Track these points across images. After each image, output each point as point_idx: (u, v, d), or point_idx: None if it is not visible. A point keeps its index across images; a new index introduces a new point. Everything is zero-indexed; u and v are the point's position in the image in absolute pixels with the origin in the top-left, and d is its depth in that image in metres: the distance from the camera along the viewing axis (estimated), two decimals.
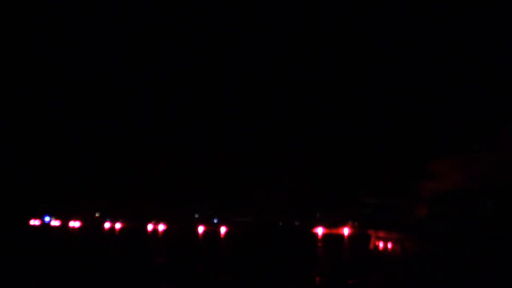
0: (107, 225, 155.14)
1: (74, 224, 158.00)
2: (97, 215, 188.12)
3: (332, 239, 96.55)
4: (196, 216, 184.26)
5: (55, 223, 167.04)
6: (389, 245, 36.00)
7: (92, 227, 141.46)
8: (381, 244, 37.74)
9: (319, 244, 78.51)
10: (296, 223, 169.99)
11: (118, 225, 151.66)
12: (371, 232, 41.94)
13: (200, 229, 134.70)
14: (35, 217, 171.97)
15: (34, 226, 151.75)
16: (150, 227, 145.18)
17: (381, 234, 38.12)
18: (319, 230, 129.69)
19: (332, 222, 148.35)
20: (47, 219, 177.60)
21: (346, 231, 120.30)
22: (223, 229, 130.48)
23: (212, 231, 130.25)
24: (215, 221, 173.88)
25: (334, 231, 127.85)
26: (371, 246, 40.08)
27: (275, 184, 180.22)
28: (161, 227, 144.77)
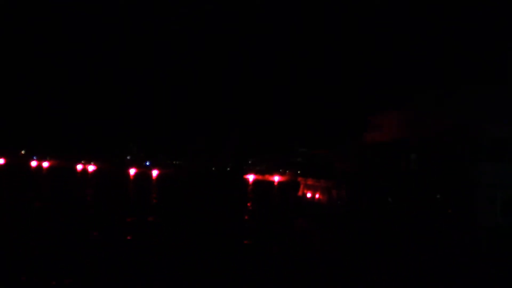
0: (33, 163, 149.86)
1: None
2: (22, 152, 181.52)
3: (262, 185, 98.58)
4: (128, 158, 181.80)
5: None
6: (317, 193, 37.10)
7: (17, 164, 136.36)
8: (309, 193, 38.83)
9: (249, 189, 79.98)
10: (228, 169, 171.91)
11: (45, 164, 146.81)
12: (300, 179, 43.06)
13: (132, 171, 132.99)
14: None
15: None
16: (79, 167, 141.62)
17: (309, 181, 39.19)
18: (250, 177, 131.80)
19: (264, 169, 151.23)
20: None
21: (276, 178, 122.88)
22: (155, 172, 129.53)
23: (143, 173, 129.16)
24: (147, 163, 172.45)
25: (265, 177, 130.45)
26: (300, 193, 41.20)
27: (210, 131, 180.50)
28: (91, 168, 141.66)
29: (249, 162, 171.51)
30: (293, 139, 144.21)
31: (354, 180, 31.20)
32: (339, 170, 34.47)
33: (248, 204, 49.90)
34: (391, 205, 27.03)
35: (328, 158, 37.75)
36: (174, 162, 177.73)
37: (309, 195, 38.88)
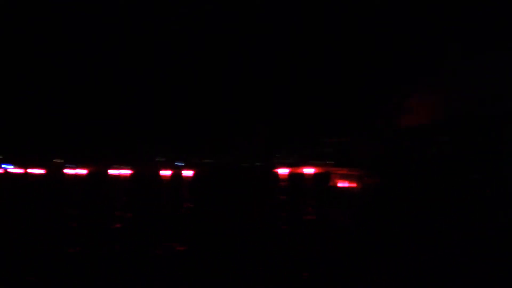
0: (69, 171, 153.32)
1: (35, 171, 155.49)
2: (56, 161, 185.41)
3: (293, 178, 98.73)
4: (158, 159, 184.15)
5: (15, 170, 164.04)
6: (348, 182, 37.21)
7: (53, 173, 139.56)
8: (340, 182, 38.97)
9: (281, 182, 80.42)
10: (258, 164, 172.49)
11: (81, 171, 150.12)
12: (331, 170, 43.26)
13: (164, 172, 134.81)
14: None
15: None
16: (113, 172, 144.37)
17: (340, 171, 39.34)
18: (280, 170, 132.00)
19: (293, 162, 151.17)
20: (6, 167, 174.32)
21: (306, 170, 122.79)
22: (186, 172, 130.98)
23: (175, 173, 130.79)
24: (178, 164, 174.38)
25: (295, 170, 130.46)
26: (331, 183, 41.38)
27: (236, 128, 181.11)
28: (124, 172, 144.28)
29: (278, 155, 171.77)
30: (320, 128, 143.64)
31: (386, 166, 31.34)
32: (370, 157, 34.60)
33: (282, 198, 50.39)
34: (427, 191, 27.05)
35: (358, 145, 37.84)
36: (204, 161, 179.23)
37: (340, 184, 39.07)
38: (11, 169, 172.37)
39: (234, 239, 24.54)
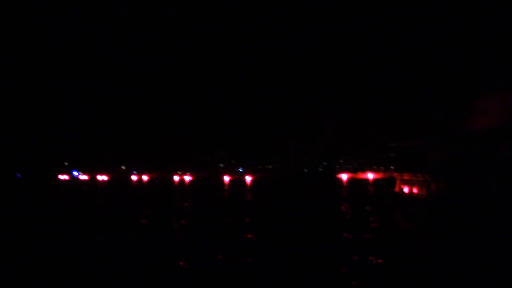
0: (134, 177, 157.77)
1: (102, 177, 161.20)
2: (123, 167, 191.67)
3: (357, 183, 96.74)
4: (221, 165, 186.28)
5: (83, 177, 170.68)
6: (415, 188, 35.65)
7: (119, 179, 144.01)
8: (406, 188, 37.43)
9: (344, 188, 78.74)
10: (320, 169, 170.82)
11: (145, 177, 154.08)
12: (396, 175, 41.63)
13: (226, 178, 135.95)
14: (64, 173, 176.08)
15: (63, 180, 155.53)
16: (176, 178, 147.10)
17: (406, 176, 37.74)
18: (344, 176, 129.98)
19: (357, 167, 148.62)
20: (75, 174, 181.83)
21: (370, 175, 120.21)
22: (248, 178, 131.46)
23: (237, 179, 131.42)
24: (240, 170, 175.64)
25: (359, 175, 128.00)
26: (396, 189, 39.82)
27: (297, 133, 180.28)
28: (187, 178, 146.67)
29: (341, 161, 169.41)
30: (382, 133, 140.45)
31: (454, 172, 29.55)
32: (437, 161, 32.85)
33: (344, 205, 49.12)
34: (498, 199, 25.24)
35: (423, 149, 36.11)
36: (266, 167, 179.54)
37: (406, 190, 37.48)
38: (79, 175, 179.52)
39: (295, 245, 23.89)
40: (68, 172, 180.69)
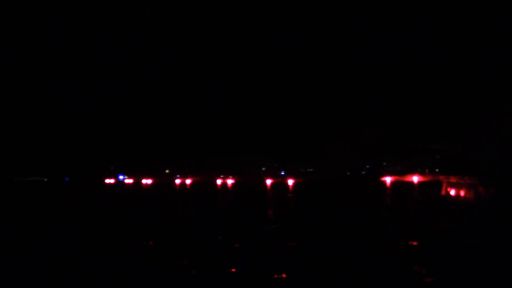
0: (177, 180, 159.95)
1: (147, 181, 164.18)
2: (167, 171, 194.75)
3: (402, 186, 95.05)
4: (263, 169, 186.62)
5: (129, 181, 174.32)
6: (462, 192, 34.80)
7: (163, 183, 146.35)
8: (452, 191, 36.60)
9: (388, 192, 77.50)
10: (363, 172, 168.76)
11: (188, 181, 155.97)
12: (442, 178, 40.77)
13: (268, 181, 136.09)
14: (110, 176, 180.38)
15: (109, 184, 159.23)
16: (219, 181, 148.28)
17: (452, 179, 36.90)
18: (388, 179, 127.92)
19: (401, 170, 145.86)
20: (121, 177, 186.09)
21: (415, 178, 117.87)
22: (290, 181, 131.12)
23: (280, 183, 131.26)
24: (282, 173, 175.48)
25: (403, 178, 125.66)
26: (443, 192, 38.99)
27: (339, 136, 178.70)
28: (229, 181, 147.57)
29: (384, 164, 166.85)
30: (428, 134, 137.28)
31: (505, 174, 28.65)
32: (486, 164, 31.94)
33: (386, 209, 48.33)
34: None
35: (470, 151, 35.19)
36: (308, 170, 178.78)
37: (452, 193, 36.62)
38: (125, 179, 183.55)
39: (336, 252, 23.69)
40: (115, 176, 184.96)
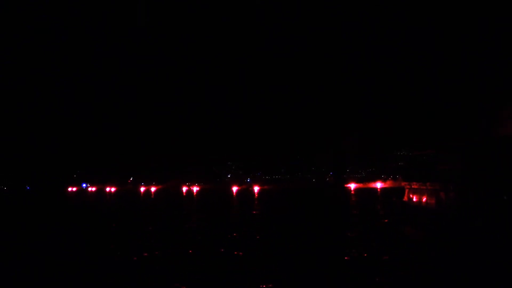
0: (142, 188, 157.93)
1: (110, 189, 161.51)
2: (131, 179, 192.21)
3: (365, 193, 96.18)
4: (229, 176, 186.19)
5: (92, 189, 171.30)
6: (424, 197, 35.35)
7: (127, 190, 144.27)
8: (415, 197, 37.14)
9: (352, 198, 78.33)
10: (328, 179, 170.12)
11: (153, 189, 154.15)
12: (404, 184, 41.31)
13: (234, 189, 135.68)
14: (73, 185, 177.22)
15: (72, 192, 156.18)
16: (184, 189, 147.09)
17: (415, 185, 37.47)
18: (352, 185, 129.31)
19: (365, 177, 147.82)
20: (84, 185, 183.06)
21: (379, 185, 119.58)
22: (256, 188, 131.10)
23: (245, 190, 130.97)
24: (248, 180, 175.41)
25: (367, 185, 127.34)
26: (405, 198, 39.53)
27: (305, 144, 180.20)
28: (195, 189, 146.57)
29: (347, 170, 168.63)
30: (389, 142, 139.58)
31: (465, 180, 29.24)
32: (446, 171, 32.51)
33: (353, 212, 48.85)
34: (508, 208, 24.86)
35: (433, 158, 35.76)
36: (274, 177, 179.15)
37: (415, 199, 37.17)
38: (87, 187, 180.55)
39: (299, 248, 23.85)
40: (78, 184, 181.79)
